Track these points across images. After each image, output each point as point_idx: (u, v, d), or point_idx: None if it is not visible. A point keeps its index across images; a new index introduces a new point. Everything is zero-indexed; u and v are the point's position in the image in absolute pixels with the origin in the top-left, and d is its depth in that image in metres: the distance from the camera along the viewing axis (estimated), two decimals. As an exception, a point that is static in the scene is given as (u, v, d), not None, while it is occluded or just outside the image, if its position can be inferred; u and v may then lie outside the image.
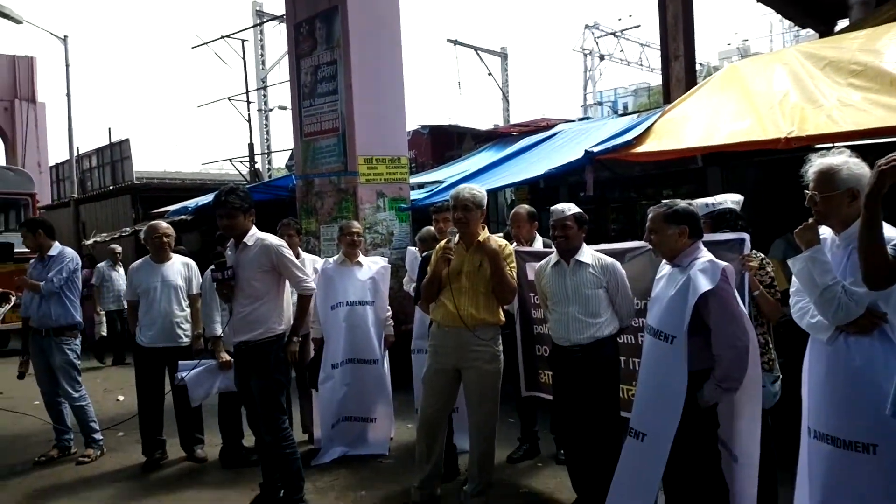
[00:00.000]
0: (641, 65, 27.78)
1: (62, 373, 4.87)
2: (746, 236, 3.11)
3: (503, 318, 3.75)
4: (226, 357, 4.40)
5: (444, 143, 12.33)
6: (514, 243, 4.59)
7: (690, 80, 7.95)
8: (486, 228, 3.80)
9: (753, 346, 2.79)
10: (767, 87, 5.11)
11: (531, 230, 4.60)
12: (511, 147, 8.87)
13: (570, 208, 3.54)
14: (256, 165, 16.72)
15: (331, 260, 4.94)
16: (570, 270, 3.51)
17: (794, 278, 2.54)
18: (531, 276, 4.28)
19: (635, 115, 7.16)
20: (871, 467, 2.26)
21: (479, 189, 3.76)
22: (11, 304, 4.80)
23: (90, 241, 12.15)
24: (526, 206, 4.74)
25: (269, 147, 18.73)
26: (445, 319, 3.64)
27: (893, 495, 2.23)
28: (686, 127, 5.53)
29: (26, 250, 5.80)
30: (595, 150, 5.75)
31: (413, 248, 5.09)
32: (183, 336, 4.85)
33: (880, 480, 2.25)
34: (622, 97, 37.67)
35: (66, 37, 16.37)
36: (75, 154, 17.57)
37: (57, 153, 20.35)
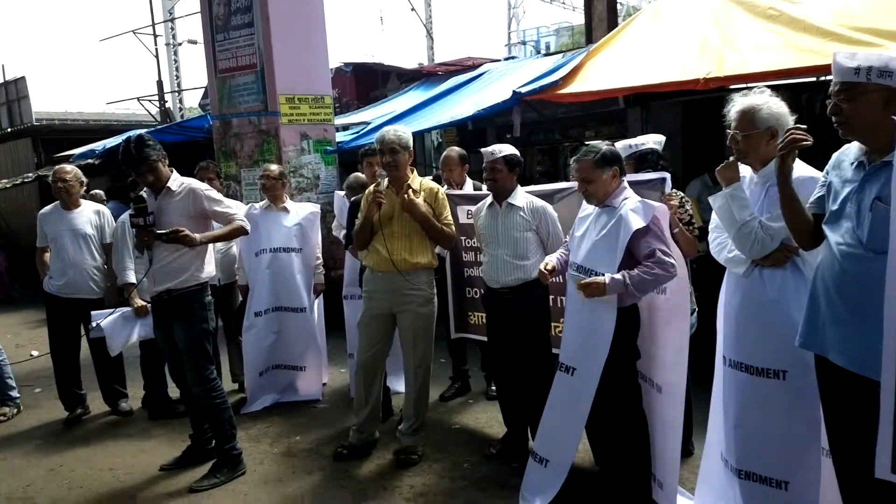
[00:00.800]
0: (564, 3, 27.68)
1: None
2: (667, 176, 3.19)
3: (436, 262, 3.75)
4: (140, 302, 4.25)
5: (369, 81, 11.99)
6: (445, 186, 4.58)
7: (612, 20, 7.97)
8: (415, 171, 3.74)
9: (682, 279, 2.88)
10: (688, 29, 5.19)
11: (462, 173, 4.57)
12: (438, 87, 8.71)
13: (500, 150, 3.51)
14: (167, 105, 15.76)
15: (256, 205, 4.78)
16: (501, 212, 3.52)
17: (713, 215, 2.64)
18: (462, 218, 4.28)
19: (560, 56, 7.14)
20: (781, 391, 2.44)
21: (404, 130, 3.69)
22: None
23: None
24: (456, 149, 4.69)
25: (179, 85, 17.65)
26: (379, 265, 3.61)
27: (798, 416, 2.42)
28: (609, 68, 5.58)
29: None
30: (522, 90, 5.72)
31: (341, 193, 4.97)
32: (95, 287, 4.60)
33: (788, 402, 2.43)
34: (545, 36, 37.53)
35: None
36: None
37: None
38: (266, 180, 4.63)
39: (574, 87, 5.51)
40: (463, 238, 4.27)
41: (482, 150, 3.59)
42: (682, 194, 3.40)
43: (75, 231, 4.57)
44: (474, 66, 9.44)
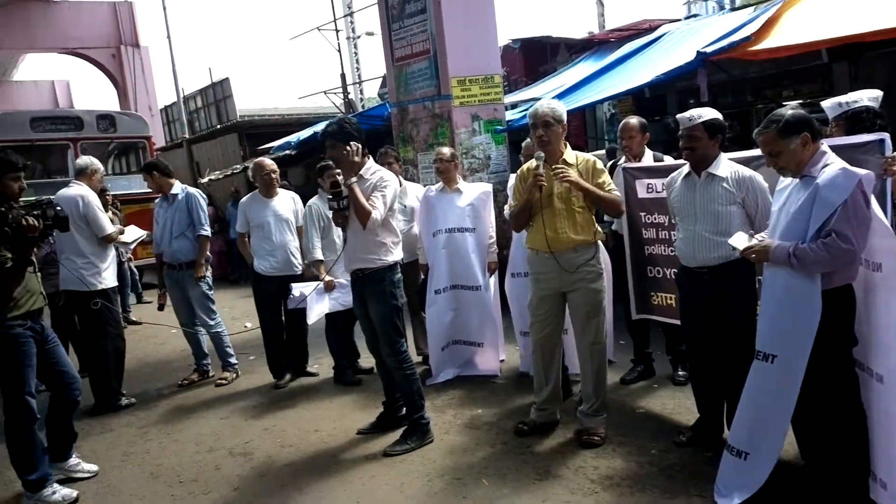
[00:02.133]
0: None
1: (198, 304, 5.28)
2: (886, 136, 2.78)
3: (603, 234, 3.64)
4: (328, 277, 4.70)
5: (537, 56, 11.83)
6: (623, 158, 4.40)
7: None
8: (569, 145, 3.63)
9: (894, 259, 2.52)
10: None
11: (642, 143, 4.35)
12: (610, 55, 8.37)
13: (698, 115, 3.21)
14: (350, 96, 16.82)
15: (432, 188, 4.96)
16: (700, 184, 3.25)
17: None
18: (641, 193, 4.09)
19: (751, 9, 6.49)
20: None
21: (557, 103, 3.59)
22: (139, 237, 5.19)
23: (205, 180, 12.86)
24: (636, 117, 4.47)
25: (359, 76, 18.73)
26: (541, 245, 3.56)
27: None
28: (810, 17, 4.99)
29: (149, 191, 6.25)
30: (708, 50, 5.32)
31: (513, 175, 5.00)
32: (297, 265, 5.15)
33: None
34: (728, -11, 34.31)
35: (159, -21, 16.82)
36: (182, 96, 18.35)
37: (163, 96, 21.34)
38: (440, 163, 4.80)
39: (769, 43, 5.01)
40: (643, 214, 4.08)
41: (678, 116, 3.32)
42: (909, 157, 2.95)
43: (278, 216, 5.12)
44: (651, 29, 8.92)
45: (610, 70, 7.64)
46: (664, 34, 7.68)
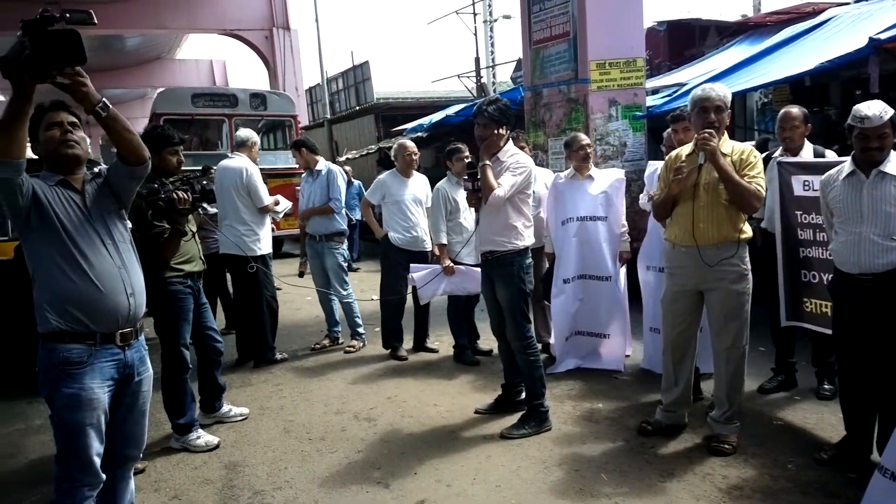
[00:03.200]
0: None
1: (333, 274, 5.59)
2: None
3: (750, 233, 3.38)
4: (449, 262, 4.77)
5: (684, 40, 11.21)
6: (779, 151, 4.08)
7: None
8: (726, 133, 3.40)
9: None
10: None
11: (802, 136, 4.01)
12: (767, 40, 7.74)
13: (885, 111, 2.87)
14: (482, 80, 16.88)
15: (562, 174, 4.86)
16: (869, 183, 2.94)
17: None
18: (798, 190, 3.77)
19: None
20: None
21: (726, 88, 3.37)
22: (286, 208, 5.56)
23: (343, 158, 13.48)
24: (798, 107, 4.11)
25: (493, 60, 18.73)
26: (681, 239, 3.38)
27: None
28: None
29: (295, 166, 6.64)
30: (882, 37, 4.78)
31: (654, 162, 4.78)
32: (427, 243, 5.32)
33: None
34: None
35: (310, -34, 17.65)
36: (325, 78, 19.25)
37: (308, 77, 22.49)
38: (584, 150, 4.69)
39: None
40: (799, 212, 3.75)
41: (857, 109, 2.92)
42: None
43: (415, 196, 5.31)
44: (815, 13, 8.15)
45: (766, 56, 7.07)
46: (830, 18, 6.98)
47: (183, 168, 3.92)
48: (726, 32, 10.40)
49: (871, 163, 2.95)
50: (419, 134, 11.62)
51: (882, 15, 6.02)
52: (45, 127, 2.43)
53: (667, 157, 3.66)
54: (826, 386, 3.98)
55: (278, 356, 5.37)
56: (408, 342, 5.54)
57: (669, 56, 11.11)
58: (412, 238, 5.28)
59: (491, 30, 19.15)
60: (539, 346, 5.14)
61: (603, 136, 6.90)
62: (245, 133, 5.49)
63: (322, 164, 5.61)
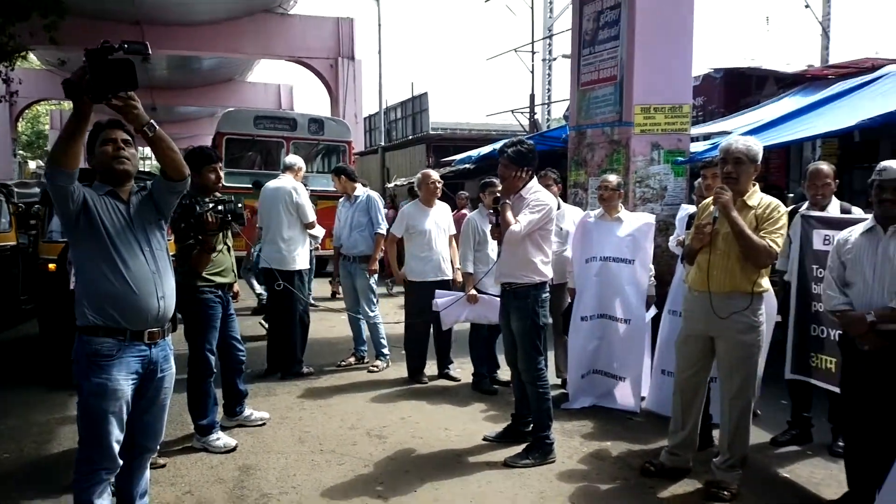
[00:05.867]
0: None
1: (363, 295, 5.81)
2: None
3: (766, 286, 3.40)
4: (473, 291, 4.89)
5: (740, 87, 11.13)
6: (807, 205, 4.09)
7: None
8: (757, 185, 3.44)
9: None
10: None
11: (831, 192, 4.02)
12: (820, 93, 7.68)
13: None
14: (536, 116, 17.09)
15: (591, 213, 4.95)
16: (885, 238, 2.98)
17: None
18: (817, 244, 3.78)
19: None
20: None
21: (754, 140, 3.42)
22: (321, 233, 5.88)
23: (392, 185, 13.85)
24: (828, 163, 4.15)
25: (549, 97, 18.95)
26: (696, 284, 3.45)
27: None
28: None
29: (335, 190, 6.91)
30: (928, 95, 4.73)
31: (686, 206, 4.83)
32: (448, 272, 5.47)
33: None
34: None
35: (379, -3, 18.38)
36: (384, 106, 19.86)
37: (368, 105, 23.26)
38: (604, 191, 4.77)
39: None
40: (815, 266, 3.75)
41: (882, 163, 3.05)
42: None
43: (438, 225, 5.49)
44: (874, 68, 8.02)
45: (816, 108, 7.01)
46: (886, 74, 6.89)
47: (236, 186, 4.19)
48: (784, 82, 10.29)
49: (888, 218, 2.97)
50: (466, 165, 11.85)
51: (936, 73, 5.94)
52: (100, 142, 2.70)
53: (699, 206, 3.72)
54: (840, 443, 3.88)
55: (305, 370, 5.58)
56: (433, 368, 5.66)
57: (725, 103, 11.04)
58: (433, 268, 5.41)
59: (549, 68, 19.41)
60: (559, 381, 5.24)
61: (643, 179, 6.94)
62: (292, 158, 5.87)
63: (360, 190, 5.89)
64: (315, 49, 21.22)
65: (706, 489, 3.42)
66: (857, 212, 4.00)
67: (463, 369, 5.65)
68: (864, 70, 8.53)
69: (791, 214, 3.97)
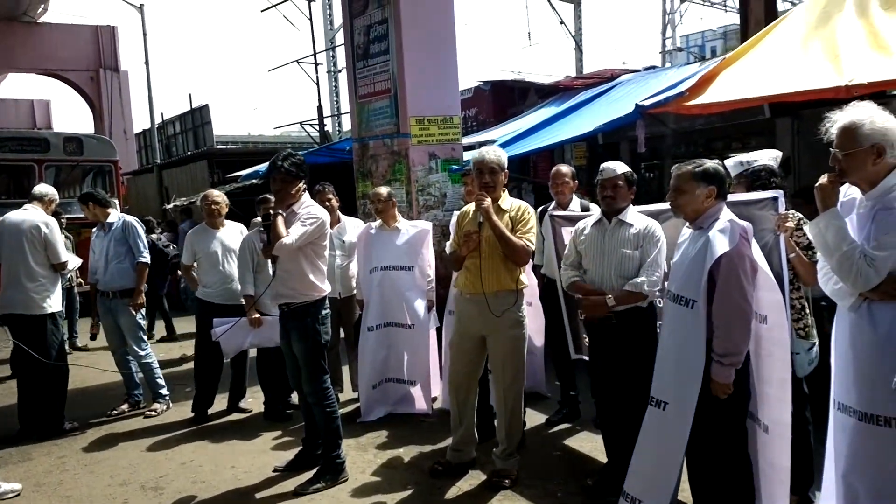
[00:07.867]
0: (726, 7, 25.90)
1: (129, 333, 5.22)
2: (780, 194, 2.92)
3: (526, 283, 3.71)
4: (255, 314, 4.62)
5: (507, 98, 12.04)
6: (553, 204, 4.52)
7: (771, 21, 7.39)
8: (506, 191, 3.74)
9: (780, 308, 2.64)
10: (836, 29, 4.69)
11: (571, 190, 4.49)
12: (569, 101, 8.60)
13: (620, 167, 3.43)
14: (326, 128, 16.99)
15: (373, 224, 5.01)
16: (610, 229, 3.40)
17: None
18: (566, 240, 4.18)
19: (697, 65, 6.74)
20: (893, 441, 2.13)
21: (502, 151, 3.74)
22: (76, 265, 5.22)
23: (171, 206, 12.83)
24: (567, 165, 4.65)
25: (338, 109, 18.95)
26: (467, 287, 3.66)
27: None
28: (746, 75, 5.17)
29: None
30: (645, 103, 5.49)
31: (457, 212, 5.07)
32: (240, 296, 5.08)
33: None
34: (710, 41, 35.38)
35: (141, 5, 17.00)
36: (158, 121, 18.38)
37: (143, 120, 21.42)
38: (377, 203, 4.84)
39: (702, 99, 5.18)
40: (568, 260, 4.16)
41: (602, 165, 3.50)
42: (801, 216, 3.08)
43: (226, 247, 5.12)
44: (612, 78, 9.18)
45: (565, 116, 7.85)
46: (617, 84, 7.92)
47: None
48: (543, 93, 11.35)
49: (610, 211, 3.39)
50: (254, 181, 11.39)
51: (654, 82, 6.93)
52: None
53: (460, 211, 3.92)
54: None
55: (67, 426, 4.91)
56: (223, 402, 5.30)
57: (494, 113, 11.88)
58: (223, 292, 5.09)
59: (335, 79, 19.41)
60: (356, 394, 5.20)
61: (424, 187, 7.20)
62: (42, 188, 5.15)
63: (114, 216, 5.30)
64: (71, 60, 19.01)
65: (489, 480, 3.63)
66: (594, 209, 4.50)
67: (255, 399, 5.36)
68: (605, 80, 9.72)
69: (541, 215, 4.39)
